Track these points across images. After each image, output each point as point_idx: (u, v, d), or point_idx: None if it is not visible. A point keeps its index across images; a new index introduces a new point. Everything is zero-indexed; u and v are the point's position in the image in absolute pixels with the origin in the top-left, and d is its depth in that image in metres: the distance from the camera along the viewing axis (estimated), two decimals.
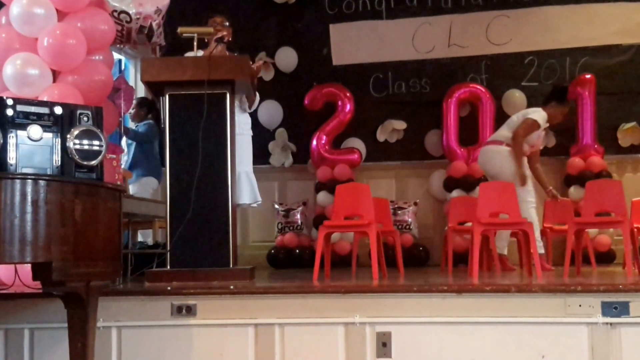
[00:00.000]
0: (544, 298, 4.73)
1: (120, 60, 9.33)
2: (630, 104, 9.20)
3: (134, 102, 8.24)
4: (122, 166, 7.04)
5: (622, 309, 4.65)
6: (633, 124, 9.39)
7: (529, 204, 7.09)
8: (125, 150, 8.40)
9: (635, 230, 6.81)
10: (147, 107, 8.69)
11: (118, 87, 6.58)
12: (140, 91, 9.27)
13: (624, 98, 9.50)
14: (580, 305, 4.67)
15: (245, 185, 6.57)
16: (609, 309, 4.65)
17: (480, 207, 6.27)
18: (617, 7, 9.58)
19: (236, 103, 6.42)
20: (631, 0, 9.55)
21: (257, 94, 6.77)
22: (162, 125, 6.22)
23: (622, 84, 9.57)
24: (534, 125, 7.19)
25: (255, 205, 6.83)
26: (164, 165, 6.05)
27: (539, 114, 7.24)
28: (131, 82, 9.48)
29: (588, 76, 9.40)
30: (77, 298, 3.89)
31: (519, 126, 7.19)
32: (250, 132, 6.83)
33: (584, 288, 4.72)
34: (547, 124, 7.34)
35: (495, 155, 7.34)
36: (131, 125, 8.69)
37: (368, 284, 5.36)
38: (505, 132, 7.36)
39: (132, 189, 7.55)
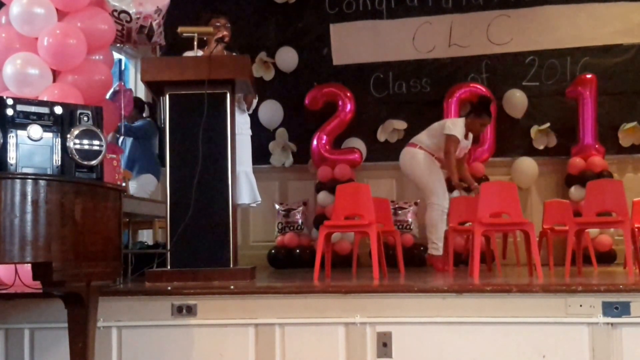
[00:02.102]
0: (545, 298, 4.71)
1: (120, 60, 9.31)
2: (631, 104, 9.20)
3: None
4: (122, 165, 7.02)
5: (623, 309, 4.64)
6: (634, 124, 9.37)
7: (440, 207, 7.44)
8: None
9: (636, 230, 6.78)
10: (141, 107, 8.70)
11: (117, 90, 6.57)
12: (141, 91, 9.27)
13: (625, 98, 9.49)
14: (581, 305, 4.66)
15: (244, 185, 6.54)
16: (610, 309, 4.64)
17: (481, 207, 6.25)
18: (618, 6, 9.57)
19: (235, 104, 6.40)
20: None
21: (256, 95, 6.75)
22: (161, 125, 6.21)
23: (623, 83, 9.55)
24: (455, 140, 7.44)
25: (254, 205, 6.80)
26: (163, 164, 6.03)
27: (455, 128, 7.47)
28: (131, 82, 9.51)
29: (589, 76, 9.37)
30: (78, 298, 3.88)
31: (447, 144, 7.42)
32: (250, 132, 6.81)
33: (585, 288, 4.71)
34: (467, 132, 7.63)
35: (409, 157, 7.72)
36: None
37: (369, 284, 5.35)
38: (424, 137, 7.69)
39: (131, 187, 7.54)
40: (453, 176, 7.39)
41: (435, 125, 7.67)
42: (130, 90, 7.68)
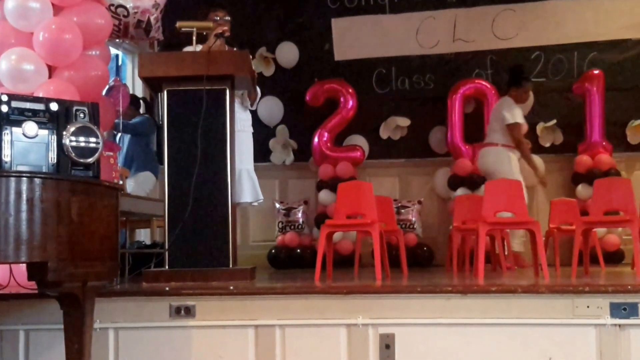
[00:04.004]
0: (551, 299, 4.66)
1: (117, 56, 9.29)
2: (639, 100, 9.12)
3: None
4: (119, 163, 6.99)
5: (631, 310, 4.58)
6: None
7: None
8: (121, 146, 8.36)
9: None
10: (137, 104, 8.65)
11: (112, 85, 6.53)
12: (138, 87, 9.22)
13: (633, 94, 9.41)
14: (588, 307, 4.61)
15: (246, 184, 6.52)
16: (617, 310, 4.59)
17: (486, 206, 6.20)
18: (625, 1, 9.52)
19: (237, 100, 6.41)
20: None
21: (259, 90, 6.70)
22: (160, 122, 6.16)
23: (631, 79, 9.49)
24: (519, 127, 7.62)
25: (256, 204, 6.80)
26: (161, 162, 5.98)
27: (513, 114, 7.63)
28: (128, 78, 9.49)
29: (596, 72, 9.32)
30: (74, 299, 3.84)
31: (514, 135, 7.65)
32: (251, 129, 6.79)
33: (592, 289, 4.66)
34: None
35: (492, 156, 7.88)
36: None
37: (371, 285, 5.32)
38: (497, 134, 7.82)
39: (128, 185, 7.49)
40: (530, 164, 7.59)
41: (492, 119, 7.86)
42: (126, 85, 7.63)
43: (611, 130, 9.40)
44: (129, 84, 9.42)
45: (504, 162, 7.69)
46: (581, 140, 9.40)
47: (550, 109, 9.61)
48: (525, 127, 7.73)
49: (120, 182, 6.36)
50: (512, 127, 7.55)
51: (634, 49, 9.53)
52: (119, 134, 8.41)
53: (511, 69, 8.27)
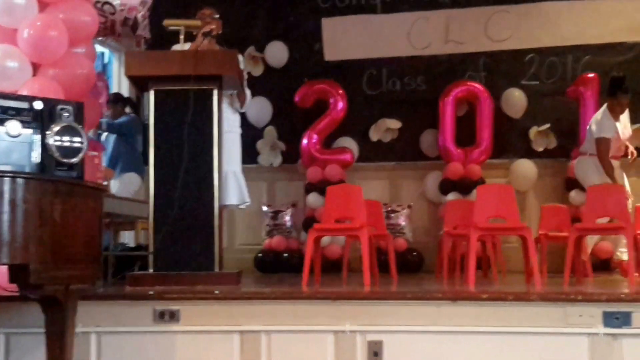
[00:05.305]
0: (543, 307, 4.68)
1: (103, 54, 9.21)
2: (634, 105, 9.03)
3: (109, 98, 8.19)
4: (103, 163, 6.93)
5: (624, 320, 4.58)
6: (637, 125, 9.20)
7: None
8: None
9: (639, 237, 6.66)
10: (123, 103, 8.60)
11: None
12: (124, 86, 9.14)
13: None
14: (580, 315, 4.61)
15: (232, 186, 6.53)
16: (610, 320, 4.59)
17: (478, 211, 6.17)
18: (621, 3, 9.45)
19: (227, 101, 6.48)
20: None
21: (249, 91, 6.64)
22: (145, 121, 6.11)
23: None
24: (604, 142, 7.40)
25: (243, 206, 6.79)
26: (147, 163, 5.93)
27: (601, 128, 7.44)
28: (114, 76, 9.46)
29: (591, 75, 9.22)
30: (55, 302, 3.84)
31: (597, 148, 7.44)
32: (240, 130, 6.81)
33: (585, 297, 4.68)
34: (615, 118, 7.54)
35: (580, 167, 7.80)
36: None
37: (359, 291, 5.33)
38: (590, 143, 7.63)
39: (113, 186, 7.42)
40: (611, 177, 7.32)
41: (588, 127, 7.73)
42: (103, 73, 7.56)
43: None
44: (115, 82, 9.45)
45: (590, 172, 7.53)
46: (575, 144, 9.31)
47: (544, 112, 9.52)
48: (619, 141, 7.51)
49: (105, 183, 6.29)
50: (598, 141, 7.40)
51: (630, 52, 9.45)
52: (105, 134, 8.32)
53: (610, 78, 8.01)
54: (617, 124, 7.44)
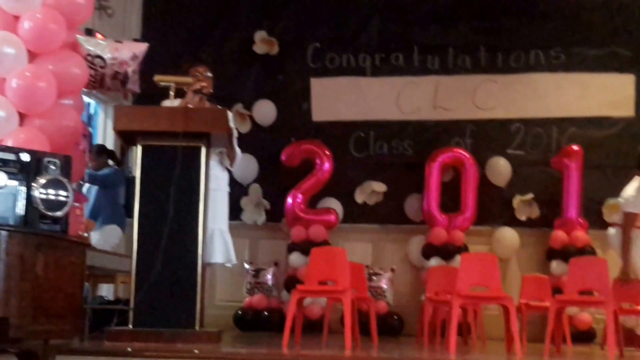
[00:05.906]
0: None
1: (89, 104, 9.16)
2: (617, 178, 9.08)
3: (93, 149, 8.13)
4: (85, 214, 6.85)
5: None
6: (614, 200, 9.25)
7: None
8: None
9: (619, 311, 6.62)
10: (107, 155, 8.53)
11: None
12: (110, 138, 9.09)
13: (611, 172, 9.35)
14: None
15: (218, 244, 6.48)
16: None
17: (461, 279, 6.13)
18: (608, 77, 9.55)
19: (216, 158, 6.41)
20: (621, 71, 9.48)
21: (239, 150, 6.61)
22: (129, 174, 6.07)
23: (610, 157, 9.45)
24: (630, 216, 7.30)
25: (229, 265, 6.68)
26: (129, 215, 5.89)
27: (628, 201, 7.33)
28: (100, 128, 9.39)
29: (575, 147, 9.28)
30: (34, 356, 3.81)
31: (625, 220, 7.34)
32: (227, 188, 6.76)
33: None
34: None
35: (611, 235, 7.67)
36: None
37: (340, 355, 5.27)
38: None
39: (94, 238, 7.32)
40: (623, 258, 7.27)
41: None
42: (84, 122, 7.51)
43: (588, 207, 9.33)
44: (100, 134, 9.40)
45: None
46: (557, 215, 9.34)
47: (528, 182, 9.56)
48: None
49: (86, 235, 6.21)
50: (626, 213, 7.34)
51: (614, 127, 9.52)
52: (87, 185, 8.25)
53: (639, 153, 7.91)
54: None
